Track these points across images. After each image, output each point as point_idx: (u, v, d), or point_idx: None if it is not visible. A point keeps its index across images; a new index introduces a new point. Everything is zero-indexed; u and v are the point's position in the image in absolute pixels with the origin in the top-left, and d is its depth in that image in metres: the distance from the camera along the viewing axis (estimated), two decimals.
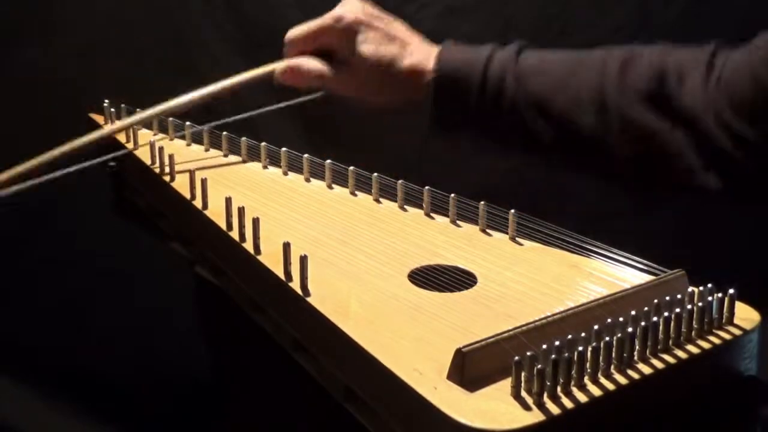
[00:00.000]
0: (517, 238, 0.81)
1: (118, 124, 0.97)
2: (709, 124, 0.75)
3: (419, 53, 0.85)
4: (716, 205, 0.90)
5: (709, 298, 0.62)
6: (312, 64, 0.85)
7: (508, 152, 0.90)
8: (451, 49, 0.84)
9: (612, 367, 0.56)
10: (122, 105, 1.06)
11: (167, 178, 0.91)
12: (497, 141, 0.86)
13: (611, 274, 0.72)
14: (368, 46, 0.83)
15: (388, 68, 0.83)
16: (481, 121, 0.83)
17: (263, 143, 0.99)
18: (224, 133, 1.02)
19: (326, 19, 0.85)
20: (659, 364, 0.58)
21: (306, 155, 0.96)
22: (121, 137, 1.02)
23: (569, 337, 0.55)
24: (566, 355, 0.53)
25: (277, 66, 0.87)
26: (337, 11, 0.85)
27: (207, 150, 1.03)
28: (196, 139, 1.05)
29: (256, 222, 0.75)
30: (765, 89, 0.73)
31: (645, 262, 0.71)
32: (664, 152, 0.77)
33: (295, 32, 0.87)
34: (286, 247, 0.69)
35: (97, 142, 0.90)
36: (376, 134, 1.52)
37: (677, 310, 0.60)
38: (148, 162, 0.95)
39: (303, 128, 1.42)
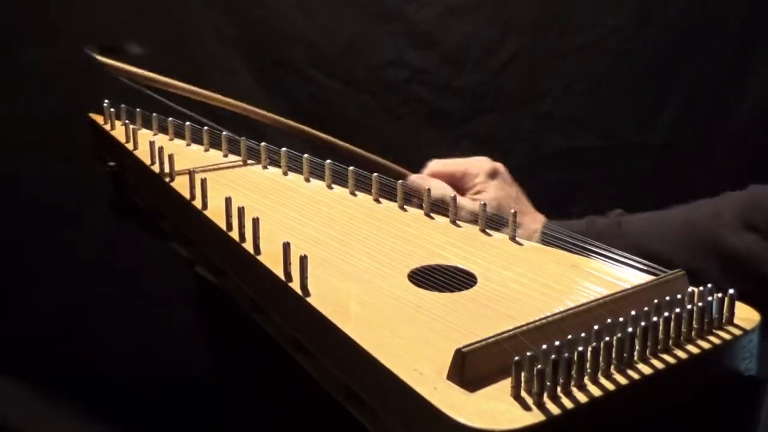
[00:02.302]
0: (517, 238, 0.81)
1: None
2: None
3: (531, 221, 0.95)
4: None
5: (709, 298, 0.62)
6: (439, 192, 0.92)
7: None
8: (555, 221, 0.95)
9: (612, 367, 0.56)
10: (122, 105, 1.06)
11: (167, 178, 0.91)
12: None
13: (611, 274, 0.72)
14: (498, 192, 0.95)
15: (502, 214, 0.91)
16: None
17: (263, 143, 0.99)
18: (224, 133, 1.02)
19: (471, 163, 0.99)
20: (659, 365, 0.58)
21: (306, 155, 0.96)
22: (121, 137, 1.02)
23: (569, 337, 0.55)
24: (566, 355, 0.53)
25: (411, 177, 0.98)
26: (484, 160, 0.99)
27: (207, 150, 1.03)
28: (196, 139, 1.05)
29: (256, 222, 0.75)
30: None
31: (645, 262, 0.71)
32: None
33: (437, 166, 0.99)
34: (286, 247, 0.69)
35: None
36: (376, 134, 1.53)
37: (677, 310, 0.60)
38: (148, 162, 0.95)
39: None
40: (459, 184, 0.97)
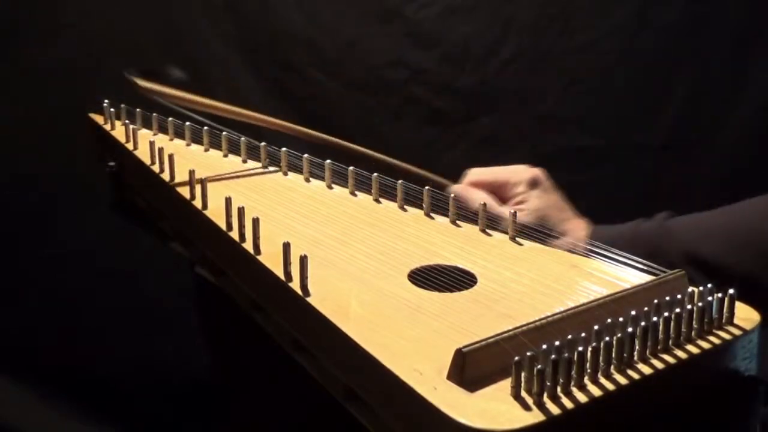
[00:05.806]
0: (517, 238, 0.81)
1: None
2: None
3: (575, 228, 0.93)
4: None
5: (709, 298, 0.62)
6: (477, 199, 0.91)
7: None
8: (601, 227, 0.93)
9: (612, 367, 0.56)
10: (122, 105, 1.06)
11: (167, 178, 0.91)
12: None
13: (611, 274, 0.72)
14: (541, 201, 0.92)
15: (545, 224, 0.90)
16: None
17: (263, 143, 0.99)
18: (224, 133, 1.02)
19: (511, 172, 0.96)
20: (659, 364, 0.58)
21: (306, 155, 0.96)
22: (121, 137, 1.02)
23: (569, 337, 0.55)
24: (566, 355, 0.53)
25: (453, 187, 0.96)
26: (524, 169, 0.96)
27: (207, 150, 1.03)
28: (196, 139, 1.05)
29: (256, 222, 0.75)
30: None
31: (645, 262, 0.71)
32: None
33: (477, 176, 0.96)
34: (286, 247, 0.69)
35: None
36: (376, 134, 1.53)
37: (677, 310, 0.60)
38: (148, 162, 0.95)
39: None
40: (499, 193, 0.94)
